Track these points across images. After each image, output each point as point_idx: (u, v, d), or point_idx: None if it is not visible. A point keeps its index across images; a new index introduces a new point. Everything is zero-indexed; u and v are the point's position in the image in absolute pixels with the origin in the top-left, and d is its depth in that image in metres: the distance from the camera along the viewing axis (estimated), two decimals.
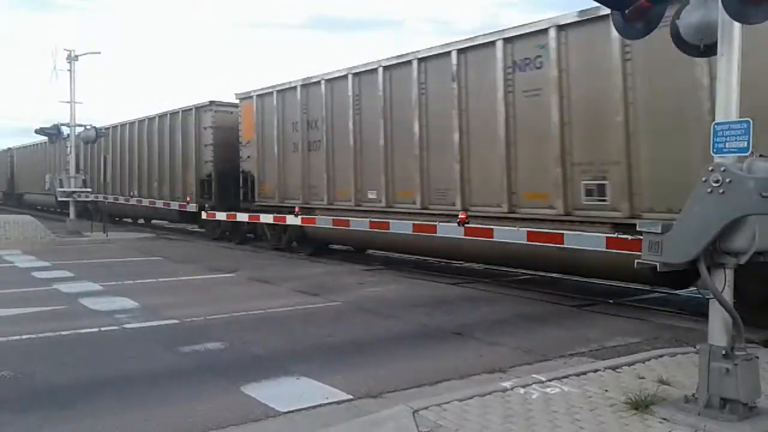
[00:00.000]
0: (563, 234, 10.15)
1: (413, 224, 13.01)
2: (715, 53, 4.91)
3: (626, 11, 5.17)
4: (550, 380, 5.96)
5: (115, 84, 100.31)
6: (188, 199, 21.79)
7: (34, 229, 22.29)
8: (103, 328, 8.86)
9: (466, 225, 11.82)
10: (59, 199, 25.42)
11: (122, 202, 26.89)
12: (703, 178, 4.67)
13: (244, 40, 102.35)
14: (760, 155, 4.68)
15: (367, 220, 14.24)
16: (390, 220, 13.66)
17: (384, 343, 8.20)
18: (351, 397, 5.92)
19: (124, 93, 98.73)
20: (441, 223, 12.39)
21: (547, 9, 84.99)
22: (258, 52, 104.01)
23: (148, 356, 7.58)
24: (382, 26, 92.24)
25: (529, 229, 10.75)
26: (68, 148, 25.14)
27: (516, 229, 10.98)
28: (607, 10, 7.47)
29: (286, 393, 6.15)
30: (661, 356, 6.86)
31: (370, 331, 8.83)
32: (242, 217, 18.75)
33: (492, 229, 11.36)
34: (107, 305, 10.38)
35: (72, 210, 24.36)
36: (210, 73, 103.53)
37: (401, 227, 13.30)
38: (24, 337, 8.31)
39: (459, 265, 14.95)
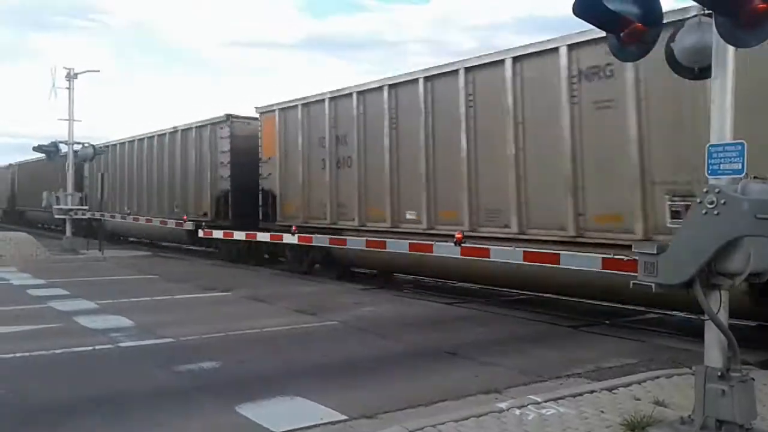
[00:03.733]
0: (559, 254, 10.10)
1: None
2: (709, 76, 4.96)
3: (621, 34, 5.22)
4: (546, 401, 5.94)
5: (115, 101, 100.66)
6: None
7: (30, 246, 22.26)
8: (97, 347, 8.81)
9: (462, 245, 11.73)
10: (56, 216, 25.38)
11: None
12: (699, 200, 4.69)
13: (241, 59, 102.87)
14: (755, 177, 4.71)
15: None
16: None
17: (379, 363, 8.17)
18: (346, 417, 5.88)
19: (124, 110, 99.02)
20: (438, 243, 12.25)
21: (541, 31, 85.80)
22: (255, 70, 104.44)
23: (143, 375, 7.55)
24: (379, 47, 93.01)
25: (525, 249, 10.68)
26: (66, 166, 25.14)
27: (512, 249, 10.91)
28: None
29: (281, 413, 6.12)
30: (658, 377, 6.85)
31: (366, 351, 8.80)
32: None
33: (489, 249, 11.30)
34: (102, 323, 10.33)
35: (68, 227, 24.31)
36: (207, 90, 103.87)
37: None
38: (18, 355, 8.26)
39: (455, 285, 14.92)
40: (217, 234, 19.08)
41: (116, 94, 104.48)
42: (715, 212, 4.56)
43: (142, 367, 7.88)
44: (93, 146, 25.03)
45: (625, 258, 8.75)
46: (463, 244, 11.48)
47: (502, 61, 11.59)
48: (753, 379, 4.90)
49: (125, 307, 11.83)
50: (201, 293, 14.21)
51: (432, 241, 12.12)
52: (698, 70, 5.20)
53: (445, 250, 11.56)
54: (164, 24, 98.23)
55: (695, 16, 5.22)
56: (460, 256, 11.46)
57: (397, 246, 12.46)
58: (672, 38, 5.33)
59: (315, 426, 5.67)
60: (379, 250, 12.87)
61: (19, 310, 11.65)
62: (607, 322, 10.87)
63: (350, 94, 15.14)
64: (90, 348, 8.73)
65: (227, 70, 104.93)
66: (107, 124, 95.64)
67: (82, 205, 24.70)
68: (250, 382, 7.12)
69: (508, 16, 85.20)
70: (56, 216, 25.24)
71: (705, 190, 4.68)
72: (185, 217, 20.97)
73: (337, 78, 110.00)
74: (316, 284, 15.61)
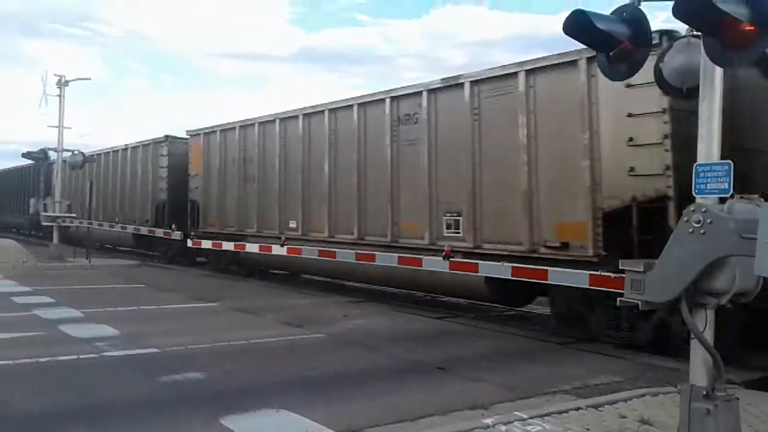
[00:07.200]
0: (547, 270, 10.15)
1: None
2: (697, 96, 5.00)
3: (611, 53, 5.26)
4: (531, 417, 5.94)
5: (107, 110, 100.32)
6: None
7: (16, 253, 22.10)
8: (82, 356, 8.73)
9: (450, 259, 11.79)
10: (43, 223, 25.22)
11: None
12: (685, 219, 4.71)
13: (234, 71, 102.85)
14: (741, 197, 4.74)
15: None
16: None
17: (366, 377, 8.13)
18: (332, 431, 5.85)
19: (116, 119, 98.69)
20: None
21: (528, 49, 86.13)
22: (247, 82, 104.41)
23: (127, 385, 7.48)
24: (371, 61, 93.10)
25: (514, 265, 10.74)
26: (56, 173, 25.04)
27: (501, 264, 10.96)
28: None
29: (266, 426, 6.09)
30: (643, 395, 6.86)
31: (353, 365, 8.77)
32: None
33: (477, 264, 11.35)
34: (87, 332, 10.24)
35: (55, 235, 24.16)
36: (200, 101, 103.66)
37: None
38: (1, 363, 8.16)
39: (443, 300, 14.90)
40: (206, 244, 19.00)
41: (108, 102, 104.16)
42: (702, 231, 4.58)
43: (127, 377, 7.81)
44: (83, 153, 24.97)
45: (612, 276, 8.80)
46: (451, 259, 11.63)
47: None
48: (738, 398, 4.90)
49: (111, 316, 11.74)
50: (188, 303, 14.13)
51: None
52: (686, 90, 5.25)
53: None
54: (157, 34, 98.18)
55: (684, 37, 5.27)
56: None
57: None
58: (661, 58, 5.39)
59: None
60: None
61: (3, 317, 11.53)
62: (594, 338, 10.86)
63: None
64: (74, 357, 8.65)
65: (220, 81, 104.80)
66: (99, 132, 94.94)
67: (69, 213, 24.56)
68: (235, 394, 7.07)
69: (499, 33, 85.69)
70: (44, 223, 25.09)
71: (692, 209, 4.71)
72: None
73: (329, 92, 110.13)
74: (304, 296, 15.56)
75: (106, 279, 18.58)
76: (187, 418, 6.26)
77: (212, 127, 20.20)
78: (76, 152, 24.87)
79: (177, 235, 20.75)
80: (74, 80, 24.40)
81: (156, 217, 22.85)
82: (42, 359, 8.43)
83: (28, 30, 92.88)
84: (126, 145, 25.70)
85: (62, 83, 24.13)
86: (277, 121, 17.34)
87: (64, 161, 24.84)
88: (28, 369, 8.03)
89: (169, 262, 22.95)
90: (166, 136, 22.93)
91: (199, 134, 20.81)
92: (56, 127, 24.29)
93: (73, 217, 24.64)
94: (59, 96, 24.10)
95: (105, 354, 8.93)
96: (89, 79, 24.96)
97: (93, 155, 26.69)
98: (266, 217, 17.51)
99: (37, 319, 11.51)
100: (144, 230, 23.18)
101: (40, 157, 25.94)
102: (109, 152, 27.15)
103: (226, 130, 19.61)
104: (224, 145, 19.57)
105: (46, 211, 24.52)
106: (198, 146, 20.70)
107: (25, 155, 26.48)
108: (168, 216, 22.06)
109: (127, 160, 25.29)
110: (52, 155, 25.31)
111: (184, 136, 21.83)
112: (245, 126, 18.71)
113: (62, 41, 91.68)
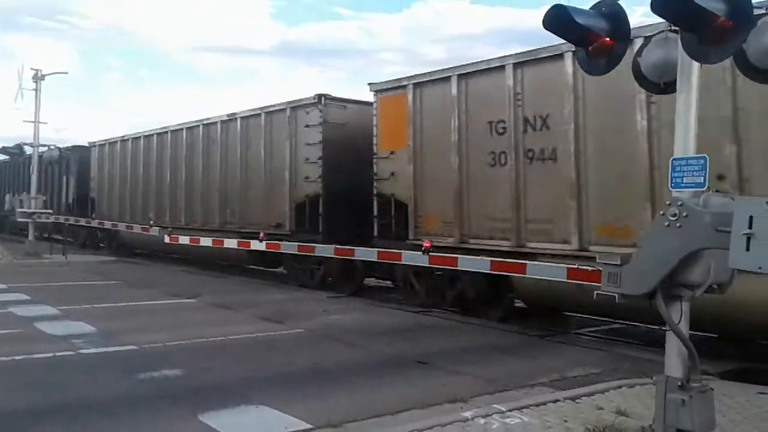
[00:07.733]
0: (526, 264, 10.20)
1: None
2: (674, 91, 5.05)
3: (590, 48, 5.29)
4: (510, 410, 5.98)
5: (84, 104, 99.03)
6: None
7: None
8: (58, 354, 8.63)
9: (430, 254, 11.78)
10: (18, 219, 24.92)
11: None
12: (661, 212, 4.77)
13: (214, 65, 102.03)
14: (716, 191, 4.80)
15: None
16: None
17: (346, 372, 8.13)
18: (311, 426, 5.84)
19: (94, 113, 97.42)
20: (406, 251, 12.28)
21: (509, 44, 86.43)
22: (227, 76, 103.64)
23: (104, 382, 7.41)
24: (351, 55, 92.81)
25: (492, 258, 10.78)
26: (31, 168, 24.72)
27: (480, 258, 11.01)
28: None
29: (245, 422, 6.07)
30: (620, 387, 6.94)
31: (333, 360, 8.75)
32: None
33: (456, 258, 11.39)
34: (63, 330, 10.13)
35: (31, 231, 23.86)
36: (179, 95, 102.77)
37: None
38: None
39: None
40: (183, 240, 18.81)
41: (85, 97, 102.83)
42: (678, 224, 4.64)
43: (104, 375, 7.74)
44: (59, 148, 24.70)
45: (590, 268, 8.86)
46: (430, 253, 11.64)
47: None
48: (712, 389, 4.97)
49: (87, 313, 11.62)
50: (166, 299, 14.02)
51: None
52: (664, 84, 5.30)
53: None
54: (136, 28, 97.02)
55: (662, 32, 5.32)
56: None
57: None
58: (639, 53, 5.43)
59: None
60: None
61: None
62: (572, 332, 10.97)
63: None
64: (50, 355, 8.54)
65: (201, 76, 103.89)
66: (76, 126, 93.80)
67: (45, 209, 24.26)
68: (214, 391, 7.03)
69: (481, 28, 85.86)
70: (19, 219, 24.79)
71: (668, 202, 4.76)
72: None
73: (310, 86, 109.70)
74: (284, 292, 15.50)
75: (82, 275, 18.37)
76: (167, 415, 6.22)
77: (430, 73, 12.67)
78: (52, 147, 24.60)
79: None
80: (50, 74, 24.20)
81: (296, 218, 15.48)
82: (18, 357, 8.32)
83: (5, 24, 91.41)
84: (234, 113, 17.92)
85: (38, 77, 23.87)
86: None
87: (40, 156, 24.54)
88: (4, 367, 7.92)
89: (316, 287, 15.47)
90: (319, 96, 15.10)
91: (400, 87, 13.11)
92: (32, 122, 24.02)
93: (49, 213, 24.35)
94: (35, 90, 23.86)
95: (82, 351, 8.83)
96: (66, 73, 24.92)
97: (149, 134, 21.74)
98: (610, 220, 9.74)
99: (13, 316, 11.35)
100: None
101: (15, 153, 25.63)
102: (198, 125, 19.48)
103: (467, 74, 11.87)
104: (464, 101, 11.87)
105: (21, 207, 24.22)
106: (398, 105, 13.04)
107: (0, 150, 26.14)
108: (324, 217, 14.77)
109: (238, 137, 17.70)
110: (28, 150, 24.99)
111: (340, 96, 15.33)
112: (529, 62, 10.80)
113: (39, 35, 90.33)
